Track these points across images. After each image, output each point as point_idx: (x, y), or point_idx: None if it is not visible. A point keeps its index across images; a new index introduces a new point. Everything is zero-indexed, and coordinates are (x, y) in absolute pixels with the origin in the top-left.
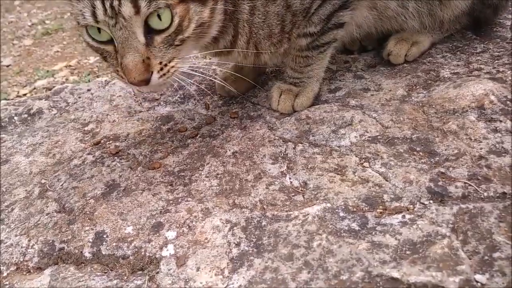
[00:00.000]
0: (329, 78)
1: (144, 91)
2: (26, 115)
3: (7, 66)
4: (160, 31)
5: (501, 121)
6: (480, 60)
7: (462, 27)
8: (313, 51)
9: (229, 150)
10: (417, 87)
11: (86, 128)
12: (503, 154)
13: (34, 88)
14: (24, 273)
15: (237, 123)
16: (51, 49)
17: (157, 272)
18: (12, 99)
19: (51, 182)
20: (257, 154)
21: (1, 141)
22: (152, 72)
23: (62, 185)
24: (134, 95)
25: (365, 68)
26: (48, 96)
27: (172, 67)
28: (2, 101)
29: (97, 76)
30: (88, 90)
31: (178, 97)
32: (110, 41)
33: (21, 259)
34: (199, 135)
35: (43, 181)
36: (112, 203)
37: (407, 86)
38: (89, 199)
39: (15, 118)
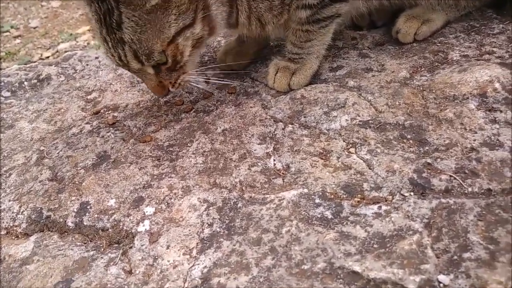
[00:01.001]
0: (333, 55)
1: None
2: (35, 81)
3: (34, 28)
4: (163, 64)
5: (501, 111)
6: (495, 43)
7: (482, 4)
8: (314, 25)
9: (220, 127)
10: (422, 69)
11: (89, 97)
12: (497, 148)
13: (57, 51)
14: (13, 237)
15: (233, 99)
16: (76, 12)
17: (130, 247)
18: (25, 66)
19: (48, 150)
20: (246, 133)
21: (10, 106)
22: (168, 87)
23: (58, 153)
24: None
25: (372, 46)
26: (58, 62)
27: (182, 80)
28: (14, 66)
29: None
30: (96, 57)
31: None
32: None
33: (11, 224)
34: (193, 110)
35: (42, 148)
36: (100, 175)
37: (411, 67)
38: (80, 169)
39: (25, 83)
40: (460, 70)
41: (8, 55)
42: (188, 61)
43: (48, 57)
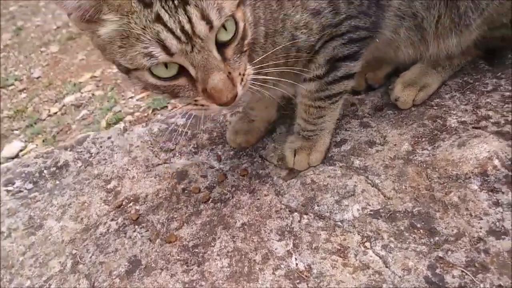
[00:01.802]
0: (336, 125)
1: (225, 111)
2: (54, 168)
3: (37, 78)
4: (228, 43)
5: (503, 193)
6: (490, 104)
7: (474, 58)
8: (325, 101)
9: (239, 220)
10: (423, 139)
11: (108, 186)
12: (503, 237)
13: (64, 106)
14: None
15: (246, 184)
16: (76, 57)
17: None
18: (42, 152)
19: (81, 253)
20: (264, 227)
21: (35, 200)
22: (236, 85)
23: (90, 257)
24: (151, 145)
25: (371, 112)
26: (73, 146)
27: (248, 74)
28: (31, 154)
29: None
30: (109, 138)
31: (192, 147)
32: (179, 74)
33: None
34: (211, 200)
35: (74, 251)
36: (135, 285)
37: (412, 138)
38: (115, 278)
39: (45, 171)
40: (460, 144)
41: (16, 113)
42: (251, 44)
43: (56, 113)
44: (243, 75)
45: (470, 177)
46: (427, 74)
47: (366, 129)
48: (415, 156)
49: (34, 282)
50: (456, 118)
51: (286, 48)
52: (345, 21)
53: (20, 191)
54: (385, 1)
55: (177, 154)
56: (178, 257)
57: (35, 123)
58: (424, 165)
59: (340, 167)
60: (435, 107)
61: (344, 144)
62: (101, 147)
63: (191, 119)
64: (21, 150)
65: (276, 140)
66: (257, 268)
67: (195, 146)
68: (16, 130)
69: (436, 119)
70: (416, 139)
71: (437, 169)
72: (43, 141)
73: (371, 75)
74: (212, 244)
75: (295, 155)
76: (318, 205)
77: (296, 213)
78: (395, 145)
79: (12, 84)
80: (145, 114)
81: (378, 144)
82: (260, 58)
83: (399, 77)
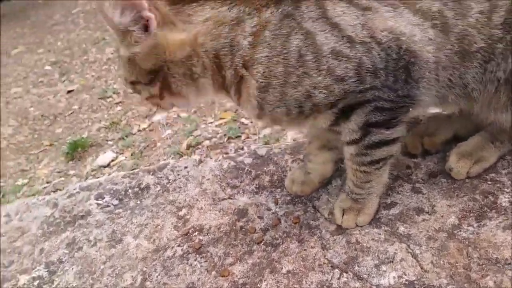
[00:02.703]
0: (388, 186)
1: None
2: (137, 189)
3: (131, 93)
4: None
5: None
6: None
7: None
8: (370, 167)
9: (285, 267)
10: (470, 215)
11: (180, 213)
12: None
13: (152, 123)
14: None
15: (297, 233)
16: None
17: None
18: (129, 173)
19: (149, 271)
20: (306, 279)
21: (119, 216)
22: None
23: (157, 277)
24: (220, 179)
25: (425, 177)
26: (155, 171)
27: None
28: (120, 173)
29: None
30: (185, 167)
31: (254, 186)
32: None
33: None
34: (263, 242)
35: (144, 269)
36: None
37: (460, 211)
38: None
39: (129, 191)
40: (505, 227)
41: (112, 124)
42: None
43: (144, 128)
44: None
45: (509, 263)
46: (484, 147)
47: (417, 195)
48: (460, 231)
49: None
50: (508, 198)
51: (299, 100)
52: (369, 90)
53: (108, 206)
54: (414, 78)
55: (240, 192)
56: None
57: (127, 136)
58: (467, 243)
59: (385, 231)
60: (489, 182)
61: (393, 207)
62: (178, 175)
63: (257, 159)
64: (112, 160)
65: (330, 193)
66: None
67: (257, 186)
68: (110, 140)
69: (487, 195)
70: (464, 213)
71: (478, 249)
72: (131, 154)
73: (428, 140)
74: (259, 285)
75: (343, 214)
76: (358, 266)
77: (337, 270)
78: (442, 216)
79: (110, 97)
80: (221, 142)
81: (425, 213)
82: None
83: (455, 146)
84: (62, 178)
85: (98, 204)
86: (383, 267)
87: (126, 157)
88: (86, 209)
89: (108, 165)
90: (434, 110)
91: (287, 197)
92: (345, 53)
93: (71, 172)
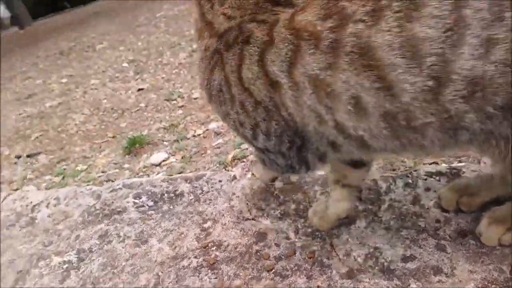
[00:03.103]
0: (411, 238)
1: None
2: (172, 195)
3: (195, 98)
4: None
5: None
6: None
7: None
8: None
9: None
10: (491, 286)
11: (204, 225)
12: None
13: (207, 130)
14: None
15: (308, 268)
16: None
17: None
18: (168, 178)
19: (163, 277)
20: None
21: (150, 218)
22: None
23: (168, 283)
24: (248, 199)
25: (453, 235)
26: (192, 180)
27: None
28: (159, 176)
29: None
30: (220, 181)
31: (279, 212)
32: None
33: None
34: (273, 270)
35: (159, 273)
36: None
37: (482, 280)
38: None
39: (165, 195)
40: None
41: (170, 126)
42: None
43: (199, 134)
44: None
45: None
46: None
47: (439, 252)
48: None
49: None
50: None
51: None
52: (265, 151)
53: (143, 206)
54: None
55: (265, 215)
56: None
57: (181, 140)
58: None
59: (395, 285)
60: None
61: (411, 261)
62: (211, 187)
63: (288, 185)
64: (163, 160)
65: (351, 233)
66: None
67: (282, 212)
68: (166, 141)
69: None
70: (485, 284)
71: None
72: (182, 157)
73: (466, 200)
74: None
75: None
76: None
77: None
78: (460, 281)
79: (175, 100)
80: None
81: (443, 274)
82: None
83: (490, 210)
84: (117, 170)
85: (134, 203)
86: None
87: (176, 159)
88: (123, 205)
89: (159, 165)
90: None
91: (308, 228)
92: (248, 110)
93: (126, 165)
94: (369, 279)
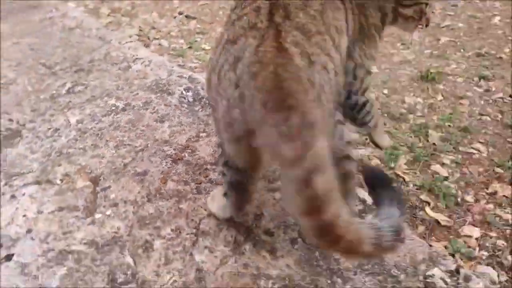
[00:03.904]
0: None
1: None
2: (208, 105)
3: None
4: None
5: None
6: None
7: None
8: None
9: None
10: None
11: (200, 134)
12: None
13: None
14: None
15: None
16: None
17: None
18: None
19: (145, 148)
20: None
21: (180, 108)
22: None
23: (143, 154)
24: None
25: None
26: None
27: None
28: None
29: None
30: None
31: None
32: None
33: None
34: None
35: (147, 144)
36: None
37: None
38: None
39: (204, 100)
40: None
41: None
42: None
43: None
44: None
45: None
46: None
47: None
48: None
49: None
50: None
51: None
52: None
53: (184, 98)
54: None
55: None
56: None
57: None
58: None
59: None
60: None
61: None
62: None
63: None
64: None
65: None
66: None
67: None
68: None
69: None
70: None
71: None
72: None
73: None
74: None
75: None
76: None
77: None
78: None
79: None
80: None
81: None
82: None
83: None
84: None
85: (181, 93)
86: None
87: None
88: (173, 90)
89: None
90: None
91: None
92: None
93: None
94: None
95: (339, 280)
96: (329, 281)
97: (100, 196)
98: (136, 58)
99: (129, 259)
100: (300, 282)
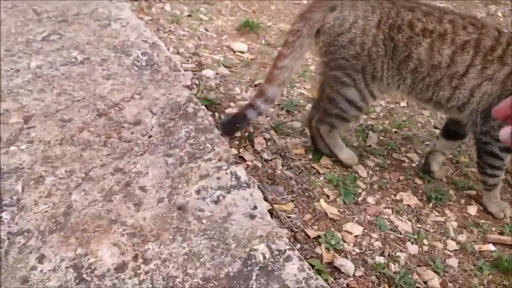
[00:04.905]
0: None
1: None
2: None
3: None
4: None
5: None
6: None
7: None
8: None
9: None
10: None
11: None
12: None
13: None
14: None
15: None
16: None
17: None
18: None
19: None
20: None
21: None
22: None
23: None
24: None
25: None
26: None
27: None
28: None
29: None
30: None
31: None
32: None
33: None
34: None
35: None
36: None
37: None
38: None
39: None
40: None
41: None
42: None
43: None
44: None
45: None
46: None
47: None
48: None
49: None
50: None
51: None
52: None
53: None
54: None
55: None
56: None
57: None
58: None
59: None
60: None
61: None
62: None
63: None
64: None
65: None
66: None
67: None
68: None
69: None
70: None
71: None
72: None
73: None
74: None
75: None
76: None
77: None
78: None
79: None
80: None
81: None
82: None
83: None
84: None
85: None
86: None
87: None
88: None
89: None
90: None
91: None
92: None
93: None
94: None
95: (180, 238)
96: (170, 237)
97: (23, 133)
98: (118, 18)
99: (19, 187)
100: (147, 233)
